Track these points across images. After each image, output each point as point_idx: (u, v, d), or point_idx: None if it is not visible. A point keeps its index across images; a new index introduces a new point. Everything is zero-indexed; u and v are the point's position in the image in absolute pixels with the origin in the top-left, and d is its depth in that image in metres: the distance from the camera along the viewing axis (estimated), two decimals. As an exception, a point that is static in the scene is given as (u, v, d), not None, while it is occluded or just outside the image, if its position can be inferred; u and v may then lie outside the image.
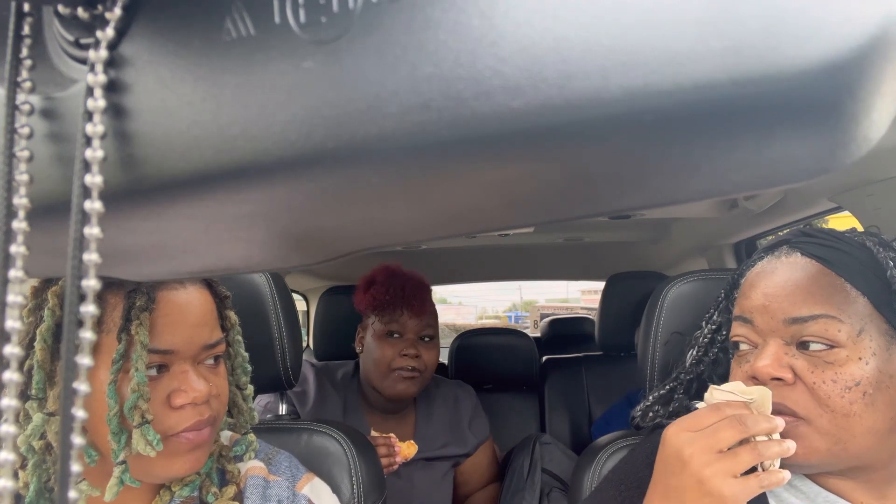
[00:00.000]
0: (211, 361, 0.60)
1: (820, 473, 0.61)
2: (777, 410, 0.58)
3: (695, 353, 0.74)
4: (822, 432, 0.56)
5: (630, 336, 1.66)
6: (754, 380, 0.59)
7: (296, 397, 1.26)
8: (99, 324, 0.54)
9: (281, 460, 0.72)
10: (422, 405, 1.34)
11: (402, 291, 1.22)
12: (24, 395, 0.54)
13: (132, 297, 0.54)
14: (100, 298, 0.53)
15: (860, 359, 0.55)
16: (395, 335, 1.21)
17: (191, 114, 0.18)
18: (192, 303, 0.58)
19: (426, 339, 1.25)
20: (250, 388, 0.69)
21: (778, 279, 0.60)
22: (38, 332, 0.53)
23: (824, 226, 0.67)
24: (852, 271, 0.58)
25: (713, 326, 0.72)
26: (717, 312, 0.73)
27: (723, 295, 0.72)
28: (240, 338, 0.68)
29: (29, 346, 0.54)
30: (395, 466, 1.16)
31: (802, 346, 0.57)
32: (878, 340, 0.56)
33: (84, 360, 0.17)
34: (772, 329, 0.59)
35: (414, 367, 1.20)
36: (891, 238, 0.62)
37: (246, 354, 0.69)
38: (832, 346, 0.56)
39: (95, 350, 0.53)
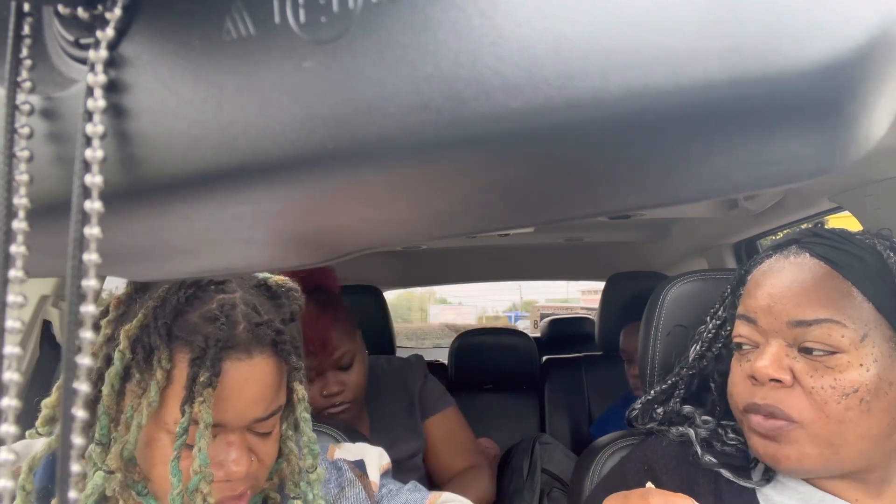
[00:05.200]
0: (263, 430, 0.56)
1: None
2: (771, 414, 0.57)
3: (698, 348, 0.73)
4: (813, 437, 0.55)
5: (630, 336, 1.66)
6: (753, 379, 0.59)
7: None
8: (168, 377, 0.51)
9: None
10: (372, 394, 1.25)
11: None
12: (88, 437, 0.52)
13: (195, 368, 0.50)
14: (169, 350, 0.51)
15: (861, 365, 0.55)
16: (313, 378, 1.10)
17: (191, 114, 0.18)
18: (253, 377, 0.53)
19: (345, 367, 1.13)
20: (318, 473, 0.60)
21: (784, 280, 0.60)
22: (106, 374, 0.51)
23: (828, 226, 0.66)
24: (860, 275, 0.57)
25: (717, 322, 0.72)
26: (722, 308, 0.72)
27: (728, 290, 0.71)
28: (307, 415, 0.59)
29: (95, 387, 0.52)
30: None
31: (805, 350, 0.57)
32: (881, 347, 0.55)
33: (84, 360, 0.17)
34: (775, 330, 0.59)
35: (342, 400, 1.11)
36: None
37: (313, 435, 0.60)
38: (834, 352, 0.56)
39: (164, 398, 0.51)
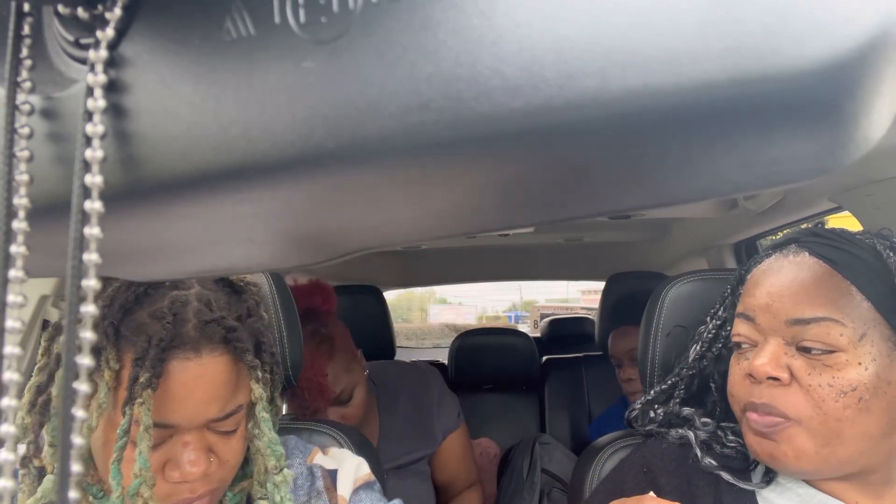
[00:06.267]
0: (224, 430, 0.54)
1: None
2: (767, 412, 0.57)
3: (698, 348, 0.73)
4: (811, 433, 0.55)
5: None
6: (751, 377, 0.59)
7: None
8: (117, 377, 0.50)
9: (288, 441, 0.70)
10: (383, 399, 1.25)
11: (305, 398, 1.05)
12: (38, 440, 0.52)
13: (137, 368, 0.49)
14: (116, 349, 0.50)
15: (860, 364, 0.55)
16: (310, 416, 1.05)
17: (191, 114, 0.18)
18: (203, 376, 0.51)
19: (344, 402, 1.09)
20: (285, 475, 0.59)
21: (783, 278, 0.60)
22: (56, 375, 0.51)
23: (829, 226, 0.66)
24: (859, 274, 0.57)
25: (717, 322, 0.72)
26: (721, 308, 0.72)
27: (728, 290, 0.72)
28: (266, 414, 0.58)
29: (46, 388, 0.52)
30: None
31: (803, 348, 0.57)
32: (879, 346, 0.55)
33: (84, 360, 0.17)
34: (773, 328, 0.59)
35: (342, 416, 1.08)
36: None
37: (274, 436, 0.58)
38: (832, 351, 0.56)
39: (116, 399, 0.50)
